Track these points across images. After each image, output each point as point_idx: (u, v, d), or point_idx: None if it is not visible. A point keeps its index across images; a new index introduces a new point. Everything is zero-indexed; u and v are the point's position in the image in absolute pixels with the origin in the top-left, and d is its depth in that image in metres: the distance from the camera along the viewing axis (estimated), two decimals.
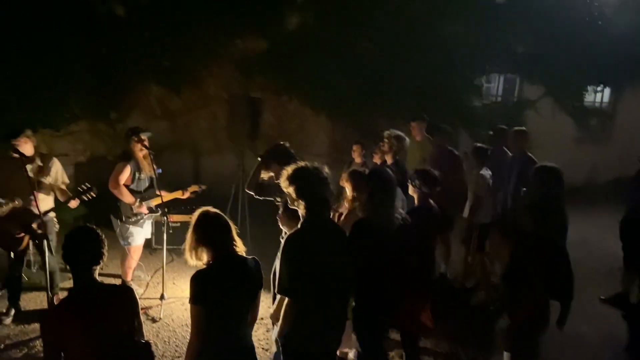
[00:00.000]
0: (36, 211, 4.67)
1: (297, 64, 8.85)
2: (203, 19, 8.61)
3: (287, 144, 4.45)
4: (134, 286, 5.74)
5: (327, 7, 8.83)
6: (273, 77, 8.96)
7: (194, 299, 2.83)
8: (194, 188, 5.95)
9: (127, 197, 5.46)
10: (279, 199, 4.29)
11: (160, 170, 5.63)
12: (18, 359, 4.63)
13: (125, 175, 5.46)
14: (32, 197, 4.71)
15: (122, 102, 8.75)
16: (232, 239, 2.97)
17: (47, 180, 5.13)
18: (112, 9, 8.40)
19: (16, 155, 4.77)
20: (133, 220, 5.58)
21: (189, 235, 2.98)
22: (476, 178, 6.02)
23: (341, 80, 8.62)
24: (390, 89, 8.45)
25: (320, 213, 3.06)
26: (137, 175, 5.55)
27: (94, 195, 4.99)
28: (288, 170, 3.17)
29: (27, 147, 4.94)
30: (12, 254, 5.20)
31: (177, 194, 5.85)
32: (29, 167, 4.93)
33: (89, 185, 4.96)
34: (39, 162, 5.09)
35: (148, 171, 5.60)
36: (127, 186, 5.52)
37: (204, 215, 3.00)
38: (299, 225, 3.10)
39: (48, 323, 2.71)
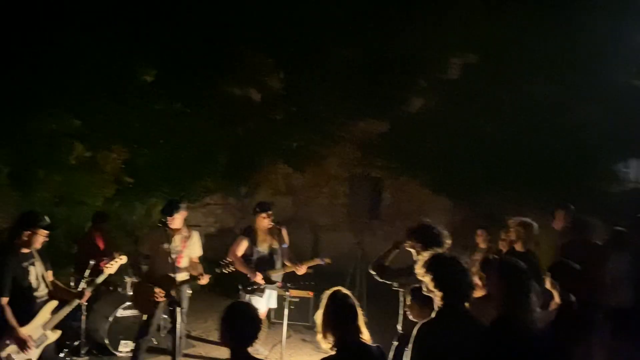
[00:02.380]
0: (177, 279, 5.10)
1: (418, 144, 8.94)
2: (329, 102, 9.12)
3: (438, 227, 4.15)
4: None
5: (450, 90, 8.93)
6: (393, 157, 9.10)
7: None
8: (314, 262, 5.98)
9: (241, 268, 5.69)
10: (395, 285, 4.20)
11: (285, 245, 5.81)
12: None
13: (241, 248, 5.79)
14: (174, 266, 5.10)
15: (251, 179, 9.35)
16: (358, 327, 2.93)
17: (186, 251, 5.44)
18: (248, 94, 9.24)
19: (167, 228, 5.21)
20: (250, 289, 5.76)
21: (319, 316, 2.98)
22: (614, 261, 5.48)
23: (463, 162, 8.51)
24: (517, 173, 8.15)
25: (457, 305, 2.94)
26: (255, 248, 5.81)
27: (232, 271, 5.25)
28: (424, 256, 3.11)
29: (179, 219, 5.33)
30: (144, 316, 5.50)
31: (293, 268, 5.89)
32: (177, 237, 5.33)
33: (229, 261, 5.25)
34: (184, 233, 5.44)
35: (269, 244, 5.83)
36: (246, 257, 5.77)
37: (332, 298, 3.01)
38: (432, 315, 2.99)
39: None
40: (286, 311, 5.62)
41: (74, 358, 5.77)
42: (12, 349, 4.11)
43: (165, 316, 6.11)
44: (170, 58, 8.51)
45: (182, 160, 8.67)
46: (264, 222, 5.76)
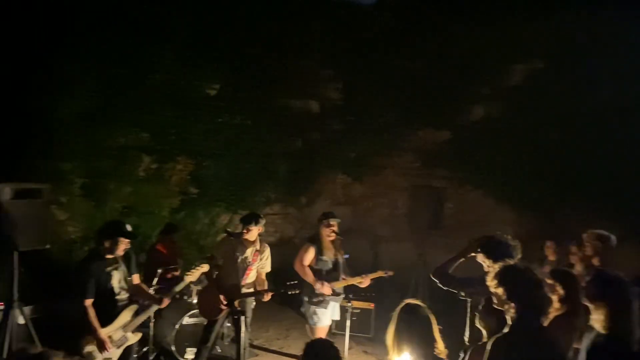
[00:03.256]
0: (242, 290, 5.21)
1: (481, 153, 8.72)
2: (388, 112, 9.07)
3: (507, 237, 3.96)
4: None
5: (514, 97, 8.67)
6: (455, 166, 8.91)
7: None
8: (378, 274, 5.83)
9: (309, 277, 5.61)
10: (462, 294, 4.07)
11: (347, 256, 5.76)
12: None
13: (309, 256, 5.67)
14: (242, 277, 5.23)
15: (311, 189, 9.42)
16: (432, 339, 2.86)
17: (256, 264, 5.52)
18: (307, 106, 9.35)
19: (244, 237, 5.33)
20: (315, 300, 5.67)
21: (390, 329, 2.94)
22: None
23: (530, 172, 8.22)
24: (587, 183, 7.77)
25: (532, 319, 2.80)
26: (320, 257, 5.71)
27: (298, 292, 5.28)
28: (496, 268, 3.00)
29: (254, 232, 5.43)
30: (206, 323, 5.62)
31: (356, 280, 5.78)
32: (249, 250, 5.43)
33: (296, 282, 5.24)
34: (257, 247, 5.52)
35: (333, 254, 5.76)
36: (311, 267, 5.69)
37: (404, 309, 2.96)
38: (506, 329, 2.87)
39: None
40: (348, 322, 5.55)
41: None
42: (93, 346, 4.32)
43: (229, 325, 6.20)
44: (232, 72, 8.76)
45: (243, 171, 8.88)
46: (328, 231, 5.70)
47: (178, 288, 4.97)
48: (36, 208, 4.85)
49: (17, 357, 2.51)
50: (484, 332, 3.23)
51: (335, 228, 5.67)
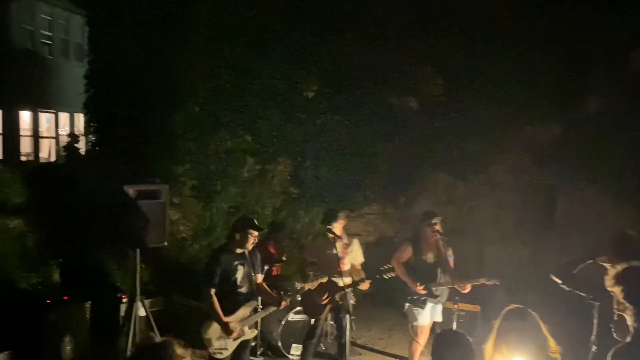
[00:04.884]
0: (340, 284, 5.29)
1: (596, 148, 8.09)
2: (492, 106, 8.67)
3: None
4: None
5: (633, 86, 7.93)
6: (568, 162, 8.31)
7: None
8: (480, 282, 5.51)
9: (402, 276, 5.50)
10: (591, 297, 3.77)
11: (452, 256, 5.59)
12: None
13: (404, 254, 5.59)
14: (338, 272, 5.30)
15: (410, 188, 9.25)
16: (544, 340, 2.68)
17: (348, 258, 5.65)
18: (407, 103, 9.21)
19: (331, 235, 5.40)
20: (410, 299, 5.56)
21: (492, 334, 2.81)
22: None
23: None
24: None
25: None
26: (420, 257, 5.57)
27: (394, 276, 5.26)
28: (618, 268, 2.76)
29: (338, 228, 5.55)
30: (312, 320, 5.80)
31: (456, 284, 5.48)
32: (338, 244, 5.49)
33: (390, 266, 5.25)
34: (345, 241, 5.67)
35: (434, 255, 5.56)
36: (409, 266, 5.57)
37: (508, 315, 2.83)
38: (627, 339, 2.63)
39: None
40: (455, 325, 5.38)
41: (251, 358, 6.16)
42: (213, 333, 4.53)
43: (332, 322, 6.27)
44: (330, 72, 8.85)
45: (342, 170, 8.95)
46: (430, 231, 5.56)
47: (297, 293, 5.27)
48: (156, 208, 5.22)
49: (142, 346, 2.67)
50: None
51: (438, 227, 5.52)
